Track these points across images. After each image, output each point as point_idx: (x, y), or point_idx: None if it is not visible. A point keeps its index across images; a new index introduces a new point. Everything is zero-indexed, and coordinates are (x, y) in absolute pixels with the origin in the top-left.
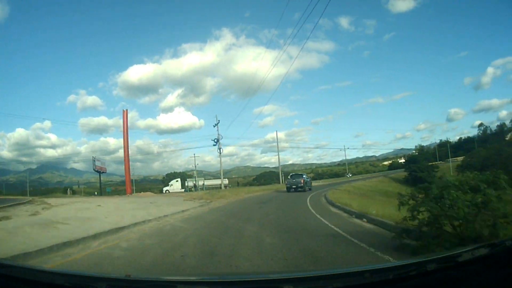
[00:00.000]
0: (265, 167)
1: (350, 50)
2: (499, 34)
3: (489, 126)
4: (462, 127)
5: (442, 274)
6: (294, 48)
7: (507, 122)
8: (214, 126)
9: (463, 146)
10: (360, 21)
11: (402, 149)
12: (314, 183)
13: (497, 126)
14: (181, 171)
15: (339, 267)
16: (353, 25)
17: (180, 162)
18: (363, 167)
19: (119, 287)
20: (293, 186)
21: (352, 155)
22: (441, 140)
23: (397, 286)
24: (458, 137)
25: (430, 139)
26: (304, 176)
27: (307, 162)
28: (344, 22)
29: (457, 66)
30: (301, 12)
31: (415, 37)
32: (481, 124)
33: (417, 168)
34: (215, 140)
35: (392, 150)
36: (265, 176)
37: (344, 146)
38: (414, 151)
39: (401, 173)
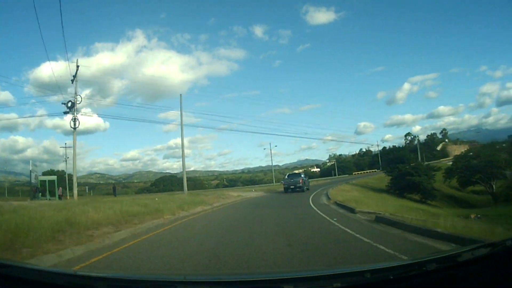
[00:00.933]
0: (166, 172)
1: (261, 59)
2: (419, 51)
3: (417, 136)
4: (372, 140)
5: (442, 274)
6: (204, 54)
7: (438, 133)
8: (72, 82)
9: (389, 155)
10: (275, 30)
11: (306, 159)
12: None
13: (428, 136)
14: (85, 174)
15: (339, 267)
16: (267, 34)
17: (84, 164)
18: (271, 175)
19: (119, 287)
20: (291, 186)
21: (254, 164)
22: (363, 150)
23: (397, 286)
24: (365, 149)
25: (337, 150)
26: (302, 176)
27: (209, 169)
28: (258, 30)
29: (371, 80)
30: (216, 18)
31: (330, 50)
32: (408, 134)
33: (413, 171)
34: (68, 105)
35: (296, 161)
36: (165, 181)
37: (271, 151)
38: (328, 161)
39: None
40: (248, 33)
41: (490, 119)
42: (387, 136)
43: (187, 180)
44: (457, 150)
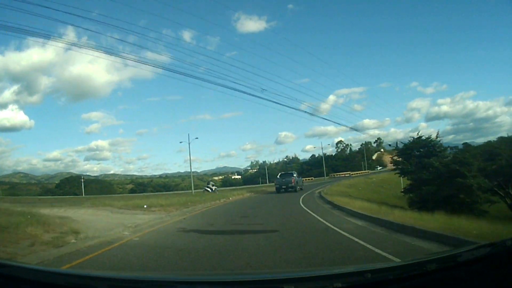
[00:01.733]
0: (87, 174)
1: (186, 65)
2: (347, 65)
3: (350, 145)
4: (292, 150)
5: (442, 274)
6: (131, 56)
7: (373, 142)
8: None
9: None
10: (204, 36)
11: (225, 166)
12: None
13: (362, 145)
14: (10, 172)
15: (339, 267)
16: (195, 39)
17: (9, 163)
18: (189, 180)
19: (119, 287)
20: (283, 186)
21: (173, 169)
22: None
23: (397, 286)
24: (291, 156)
25: (258, 158)
26: (294, 175)
27: (128, 173)
28: (187, 35)
29: (295, 91)
30: (148, 20)
31: (257, 59)
32: (340, 142)
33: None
34: None
35: (215, 168)
36: (71, 183)
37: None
38: (249, 168)
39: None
40: (177, 37)
41: (400, 135)
42: (308, 147)
43: (94, 183)
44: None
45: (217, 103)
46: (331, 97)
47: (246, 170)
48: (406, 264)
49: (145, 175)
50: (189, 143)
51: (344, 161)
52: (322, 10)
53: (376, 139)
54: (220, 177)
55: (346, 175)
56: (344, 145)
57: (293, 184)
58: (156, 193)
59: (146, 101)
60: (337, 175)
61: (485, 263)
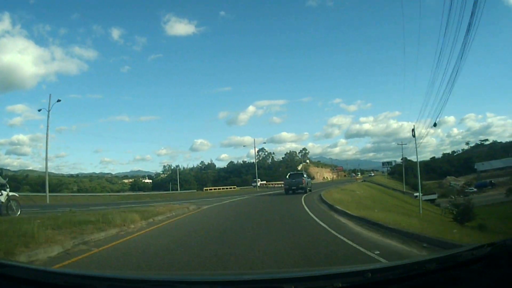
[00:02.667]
0: (7, 169)
1: (111, 63)
2: (270, 77)
3: (273, 153)
4: (207, 157)
5: (442, 274)
6: (59, 50)
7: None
8: None
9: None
10: (131, 36)
11: (139, 170)
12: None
13: (286, 154)
14: None
15: (339, 267)
16: (123, 38)
17: None
18: (97, 182)
19: (120, 287)
20: (293, 187)
21: (89, 169)
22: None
23: (397, 286)
24: (207, 162)
25: (173, 163)
26: (304, 176)
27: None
28: (116, 33)
29: (215, 99)
30: (79, 14)
31: (181, 63)
32: (262, 149)
33: None
34: None
35: (129, 171)
36: None
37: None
38: (162, 173)
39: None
40: (105, 34)
41: (336, 149)
42: (223, 155)
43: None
44: (320, 172)
45: (136, 105)
46: (251, 108)
47: (157, 175)
48: (406, 264)
49: (62, 174)
50: (48, 112)
51: (267, 170)
52: (254, 21)
53: (302, 149)
54: (130, 180)
55: (279, 184)
56: (266, 153)
57: (303, 185)
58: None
59: (68, 98)
60: (270, 184)
61: (485, 263)
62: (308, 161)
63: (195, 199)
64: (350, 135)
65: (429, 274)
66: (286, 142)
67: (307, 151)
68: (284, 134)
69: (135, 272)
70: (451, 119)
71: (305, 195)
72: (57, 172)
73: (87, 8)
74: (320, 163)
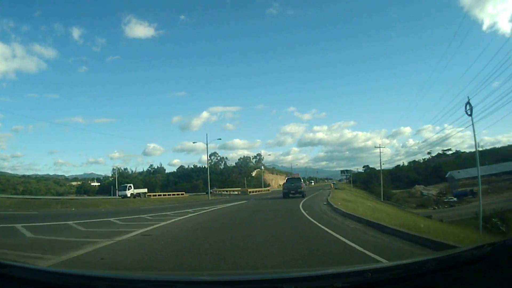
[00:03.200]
0: None
1: (70, 63)
2: (225, 83)
3: (226, 158)
4: (159, 162)
5: (442, 274)
6: (20, 47)
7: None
8: None
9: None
10: (91, 36)
11: (92, 173)
12: None
13: (240, 159)
14: None
15: (339, 267)
16: (83, 38)
17: None
18: (45, 183)
19: (119, 287)
20: (292, 191)
21: (44, 171)
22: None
23: (398, 286)
24: (156, 166)
25: (126, 166)
26: (302, 181)
27: (1, 171)
28: (76, 32)
29: (170, 103)
30: (43, 11)
31: (138, 66)
32: (214, 154)
33: None
34: None
35: (82, 173)
36: None
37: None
38: (110, 176)
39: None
40: (66, 33)
41: (289, 157)
42: (175, 161)
43: None
44: (275, 179)
45: (92, 107)
46: (205, 114)
47: (106, 178)
48: (406, 264)
49: (16, 174)
50: None
51: (219, 175)
52: (213, 26)
53: (256, 155)
54: (79, 182)
55: (235, 192)
56: (219, 158)
57: (302, 189)
58: None
59: (26, 96)
60: (224, 191)
61: (485, 263)
62: (262, 167)
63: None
64: (303, 144)
65: (429, 274)
66: (239, 149)
67: (261, 157)
68: (237, 141)
69: (135, 272)
70: (407, 129)
71: (307, 211)
72: (12, 172)
73: (51, 5)
74: (275, 170)
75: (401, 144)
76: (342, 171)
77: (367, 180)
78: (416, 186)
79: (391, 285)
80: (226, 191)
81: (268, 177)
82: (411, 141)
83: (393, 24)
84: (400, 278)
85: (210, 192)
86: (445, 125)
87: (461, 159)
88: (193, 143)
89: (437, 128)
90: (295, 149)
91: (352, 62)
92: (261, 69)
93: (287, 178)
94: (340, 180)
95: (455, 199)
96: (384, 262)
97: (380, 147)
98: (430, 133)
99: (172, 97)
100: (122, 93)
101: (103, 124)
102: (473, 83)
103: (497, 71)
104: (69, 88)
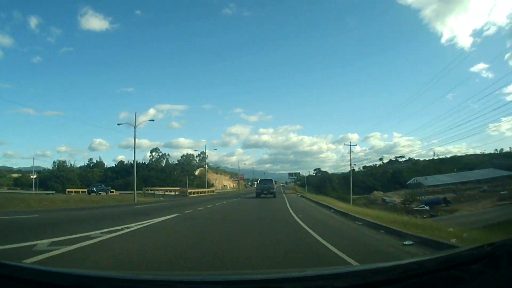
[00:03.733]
0: None
1: (25, 52)
2: (174, 82)
3: (168, 155)
4: (105, 157)
5: (442, 273)
6: None
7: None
8: None
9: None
10: (48, 26)
11: (39, 166)
12: None
13: (183, 156)
14: None
15: (339, 267)
16: (40, 27)
17: None
18: None
19: (119, 287)
20: (264, 191)
21: None
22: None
23: (398, 286)
24: (95, 160)
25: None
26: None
27: None
28: (34, 21)
29: (119, 99)
30: None
31: (90, 59)
32: (155, 149)
33: None
34: None
35: (30, 166)
36: None
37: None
38: (50, 169)
39: None
40: (24, 22)
41: (233, 158)
42: (120, 157)
43: None
44: (219, 179)
45: (42, 98)
46: (151, 111)
47: (46, 171)
48: (406, 264)
49: None
50: None
51: (160, 172)
52: (167, 23)
53: (200, 153)
54: (20, 174)
55: (172, 192)
56: (160, 154)
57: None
58: None
59: None
60: (158, 191)
61: (485, 263)
62: (206, 166)
63: None
64: (248, 145)
65: (429, 274)
66: (183, 148)
67: (206, 155)
68: (182, 140)
69: (135, 272)
70: (354, 136)
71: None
72: None
73: None
74: (219, 169)
75: (346, 150)
76: (290, 174)
77: (320, 184)
78: (375, 192)
79: (391, 285)
80: (162, 190)
81: (211, 176)
82: (357, 148)
83: (346, 31)
84: (400, 278)
85: (140, 193)
86: (394, 134)
87: (420, 166)
88: (118, 124)
89: (385, 136)
90: (240, 150)
91: (301, 67)
92: (210, 69)
93: (260, 180)
94: (287, 183)
95: (426, 207)
96: (384, 262)
97: (350, 145)
98: (377, 140)
99: (121, 93)
100: (73, 86)
101: (52, 117)
102: (427, 93)
103: (451, 83)
104: (22, 79)
